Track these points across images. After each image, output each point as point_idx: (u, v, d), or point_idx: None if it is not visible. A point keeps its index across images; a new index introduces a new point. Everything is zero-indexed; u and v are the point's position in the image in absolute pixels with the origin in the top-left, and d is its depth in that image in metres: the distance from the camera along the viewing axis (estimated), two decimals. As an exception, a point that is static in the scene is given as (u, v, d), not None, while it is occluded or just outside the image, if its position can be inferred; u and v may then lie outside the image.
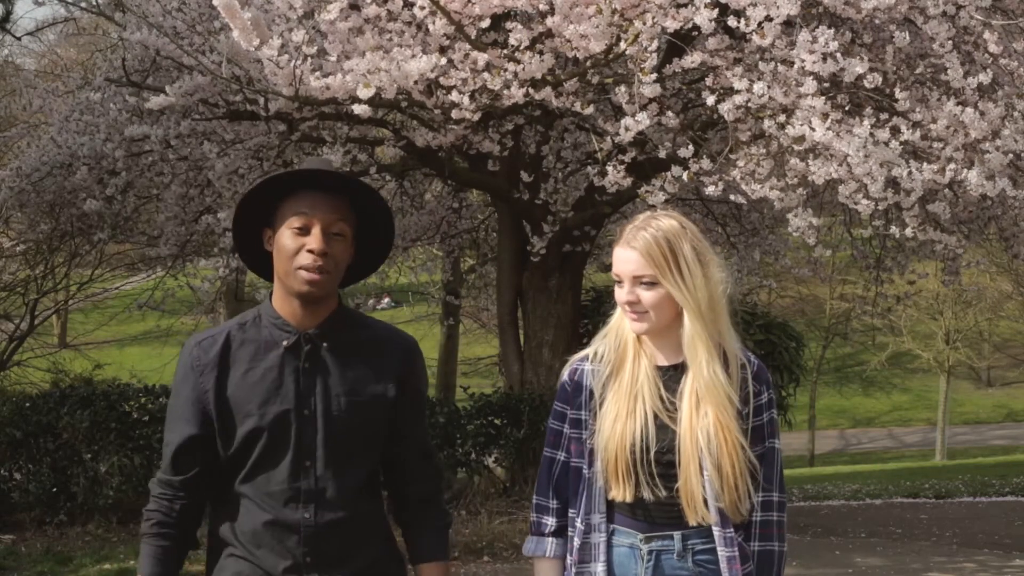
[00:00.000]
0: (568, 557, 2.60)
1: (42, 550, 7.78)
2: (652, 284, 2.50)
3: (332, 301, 2.50)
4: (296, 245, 2.39)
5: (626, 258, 2.51)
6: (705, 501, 2.47)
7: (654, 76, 6.01)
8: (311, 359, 2.44)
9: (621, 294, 2.54)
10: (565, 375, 2.62)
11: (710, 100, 6.23)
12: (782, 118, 6.11)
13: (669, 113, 6.45)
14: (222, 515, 2.47)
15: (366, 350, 2.50)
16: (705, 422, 2.48)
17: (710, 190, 6.61)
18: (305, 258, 2.39)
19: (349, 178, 2.51)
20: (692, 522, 2.49)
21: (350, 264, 2.50)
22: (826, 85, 6.06)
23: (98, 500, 8.39)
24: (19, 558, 7.58)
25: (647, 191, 6.84)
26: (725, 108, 6.15)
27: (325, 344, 2.46)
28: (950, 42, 6.17)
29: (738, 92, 6.06)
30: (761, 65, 6.10)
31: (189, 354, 2.47)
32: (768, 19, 5.82)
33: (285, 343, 2.44)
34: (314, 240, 2.39)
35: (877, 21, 6.61)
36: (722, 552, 2.50)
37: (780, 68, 6.07)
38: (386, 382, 2.49)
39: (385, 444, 2.52)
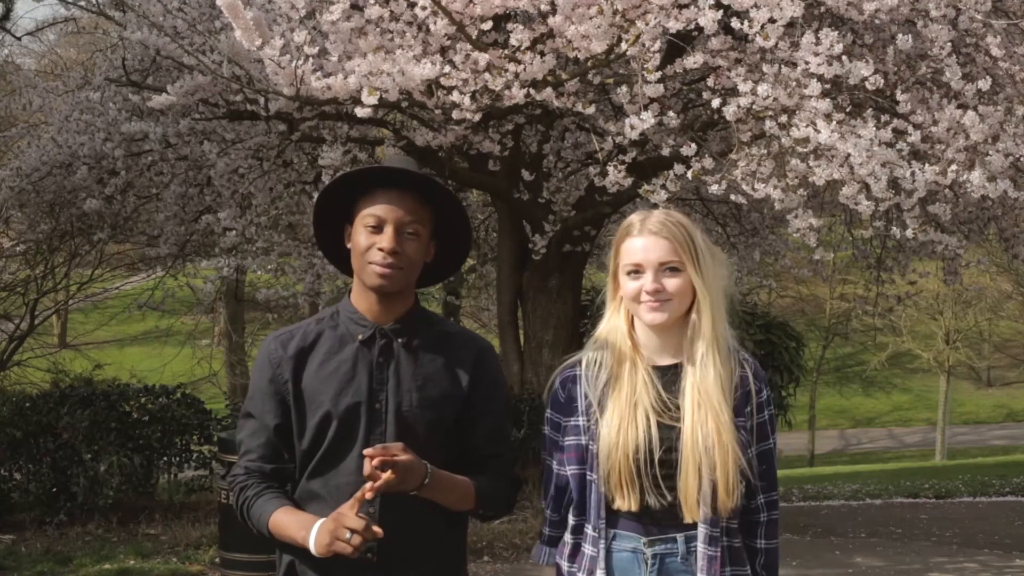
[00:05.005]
0: (568, 564, 2.58)
1: (42, 550, 7.77)
2: (677, 271, 2.49)
3: (408, 299, 2.54)
4: (369, 242, 2.45)
5: (651, 245, 2.49)
6: (698, 500, 2.45)
7: (658, 75, 6.00)
8: (385, 354, 2.49)
9: (639, 284, 2.50)
10: (557, 383, 2.60)
11: (715, 102, 6.23)
12: (783, 119, 6.11)
13: (671, 113, 6.45)
14: None
15: (439, 348, 2.53)
16: (705, 420, 2.46)
17: (713, 189, 6.60)
18: (375, 255, 2.43)
19: (423, 178, 2.51)
20: (688, 519, 2.47)
21: (431, 264, 2.54)
22: (827, 87, 6.06)
23: (98, 500, 8.39)
24: (19, 558, 7.57)
25: (648, 190, 6.83)
26: (729, 110, 6.15)
27: (400, 340, 2.50)
28: (949, 44, 6.17)
29: (743, 95, 6.06)
30: (764, 67, 6.10)
31: (267, 348, 2.53)
32: (771, 21, 5.81)
33: (360, 337, 2.49)
34: (385, 239, 2.43)
35: (878, 22, 6.61)
36: (704, 550, 2.47)
37: (783, 70, 6.06)
38: (457, 381, 2.51)
39: (459, 439, 2.53)
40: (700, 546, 2.47)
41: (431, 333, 2.54)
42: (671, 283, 2.49)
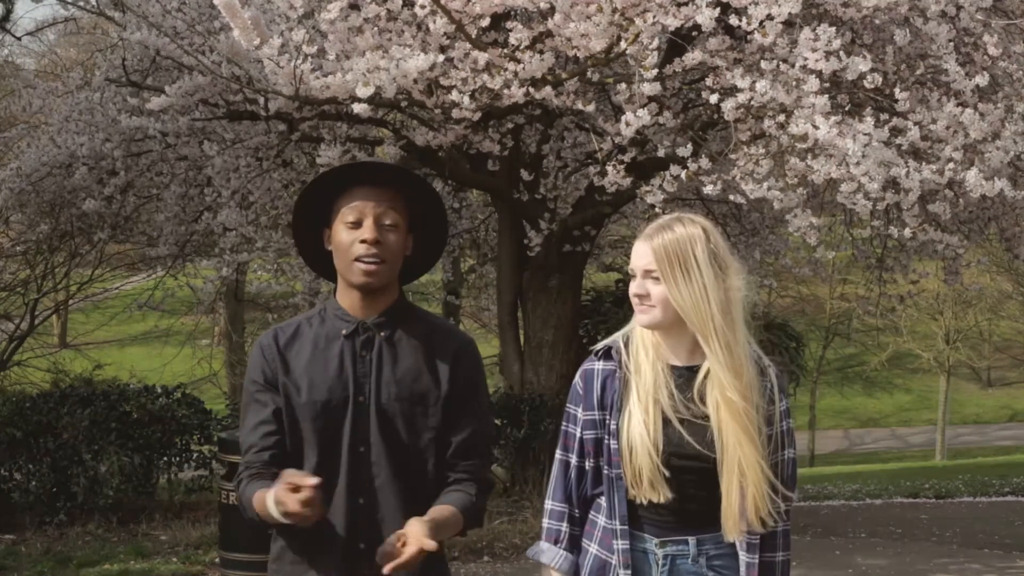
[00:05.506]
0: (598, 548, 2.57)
1: (42, 550, 7.77)
2: (659, 280, 2.51)
3: (392, 293, 2.57)
4: (351, 238, 2.48)
5: (639, 252, 2.54)
6: (738, 511, 2.48)
7: (655, 72, 6.00)
8: (367, 348, 2.53)
9: (631, 286, 2.56)
10: (577, 376, 2.62)
11: (712, 99, 6.22)
12: (782, 118, 6.11)
13: (667, 114, 6.45)
14: None
15: (421, 342, 2.56)
16: (734, 433, 2.47)
17: (708, 189, 6.61)
18: (360, 249, 2.47)
19: (397, 169, 2.57)
20: (731, 539, 2.50)
21: (409, 258, 2.58)
22: (826, 84, 6.05)
23: (98, 500, 8.39)
24: (19, 558, 7.57)
25: (646, 190, 6.83)
26: (727, 108, 6.14)
27: (382, 334, 2.54)
28: (951, 44, 6.17)
29: (741, 91, 6.05)
30: (763, 64, 6.10)
31: (259, 345, 2.58)
32: (769, 18, 5.81)
33: (344, 332, 2.53)
34: (367, 231, 2.47)
35: (877, 22, 6.61)
36: (744, 558, 2.51)
37: (782, 67, 6.06)
38: (437, 375, 2.54)
39: (440, 430, 2.54)
40: (742, 554, 2.51)
41: (413, 327, 2.57)
42: (654, 290, 2.52)
